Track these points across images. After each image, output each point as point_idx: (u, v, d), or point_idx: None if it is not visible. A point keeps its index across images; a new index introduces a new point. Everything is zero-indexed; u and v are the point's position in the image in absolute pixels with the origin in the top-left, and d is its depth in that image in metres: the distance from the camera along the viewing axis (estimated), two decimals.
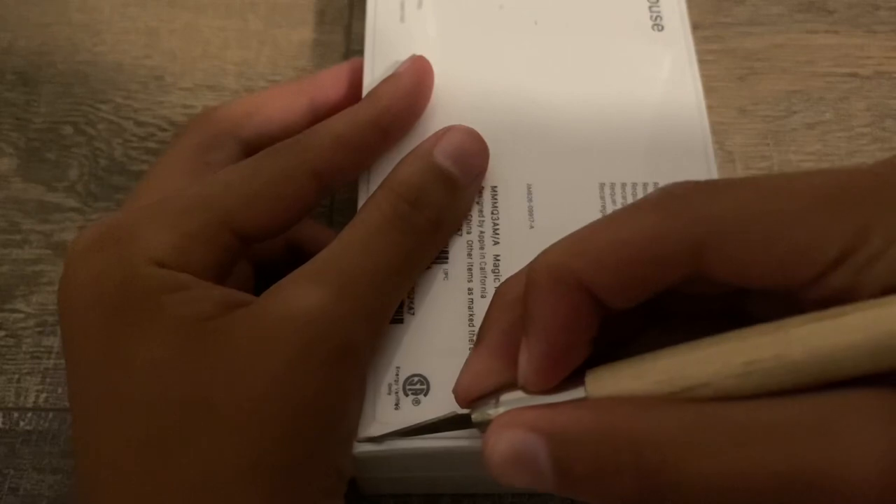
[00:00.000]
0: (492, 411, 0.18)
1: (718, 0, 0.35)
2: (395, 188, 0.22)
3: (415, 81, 0.25)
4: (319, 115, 0.27)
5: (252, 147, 0.25)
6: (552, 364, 0.17)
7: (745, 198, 0.16)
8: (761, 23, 0.35)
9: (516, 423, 0.17)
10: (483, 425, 0.18)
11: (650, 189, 0.24)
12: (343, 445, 0.21)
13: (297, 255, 0.26)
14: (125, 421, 0.19)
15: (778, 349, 0.15)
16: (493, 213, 0.24)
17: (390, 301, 0.22)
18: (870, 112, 0.33)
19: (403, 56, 0.26)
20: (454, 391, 0.19)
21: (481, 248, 0.23)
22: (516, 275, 0.20)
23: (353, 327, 0.20)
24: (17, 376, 0.28)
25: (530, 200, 0.24)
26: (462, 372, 0.19)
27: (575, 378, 0.18)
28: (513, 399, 0.18)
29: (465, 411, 0.19)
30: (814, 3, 0.36)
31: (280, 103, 0.27)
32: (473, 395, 0.19)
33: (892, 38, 0.35)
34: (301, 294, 0.20)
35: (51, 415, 0.27)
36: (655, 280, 0.17)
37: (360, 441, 0.21)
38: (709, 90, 0.28)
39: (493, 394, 0.18)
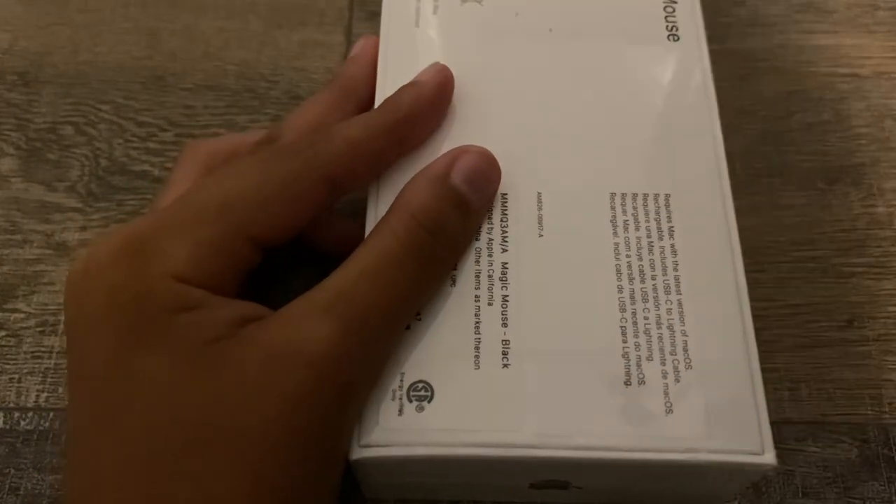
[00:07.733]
0: None
1: (718, 0, 0.35)
2: (416, 214, 0.21)
3: (437, 91, 0.24)
4: (362, 109, 0.26)
5: None
6: None
7: None
8: (761, 23, 0.35)
9: None
10: None
11: (661, 200, 0.24)
12: (338, 469, 0.21)
13: (307, 248, 0.26)
14: (126, 439, 0.19)
15: None
16: (502, 221, 0.23)
17: (399, 329, 0.21)
18: (869, 112, 0.33)
19: (418, 61, 0.25)
20: None
21: (489, 255, 0.23)
22: None
23: (358, 366, 0.20)
24: (17, 376, 0.28)
25: (540, 209, 0.23)
26: None
27: None
28: None
29: None
30: (813, 4, 0.36)
31: (340, 118, 0.25)
32: None
33: (892, 38, 0.35)
34: (311, 327, 0.19)
35: (51, 414, 0.27)
36: None
37: (364, 447, 0.20)
38: None
39: None
